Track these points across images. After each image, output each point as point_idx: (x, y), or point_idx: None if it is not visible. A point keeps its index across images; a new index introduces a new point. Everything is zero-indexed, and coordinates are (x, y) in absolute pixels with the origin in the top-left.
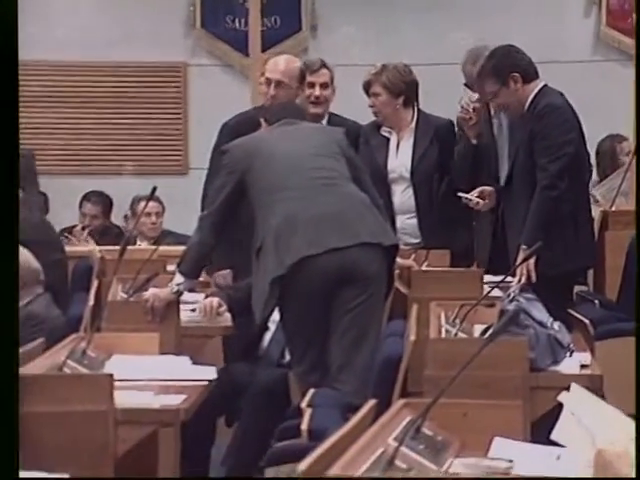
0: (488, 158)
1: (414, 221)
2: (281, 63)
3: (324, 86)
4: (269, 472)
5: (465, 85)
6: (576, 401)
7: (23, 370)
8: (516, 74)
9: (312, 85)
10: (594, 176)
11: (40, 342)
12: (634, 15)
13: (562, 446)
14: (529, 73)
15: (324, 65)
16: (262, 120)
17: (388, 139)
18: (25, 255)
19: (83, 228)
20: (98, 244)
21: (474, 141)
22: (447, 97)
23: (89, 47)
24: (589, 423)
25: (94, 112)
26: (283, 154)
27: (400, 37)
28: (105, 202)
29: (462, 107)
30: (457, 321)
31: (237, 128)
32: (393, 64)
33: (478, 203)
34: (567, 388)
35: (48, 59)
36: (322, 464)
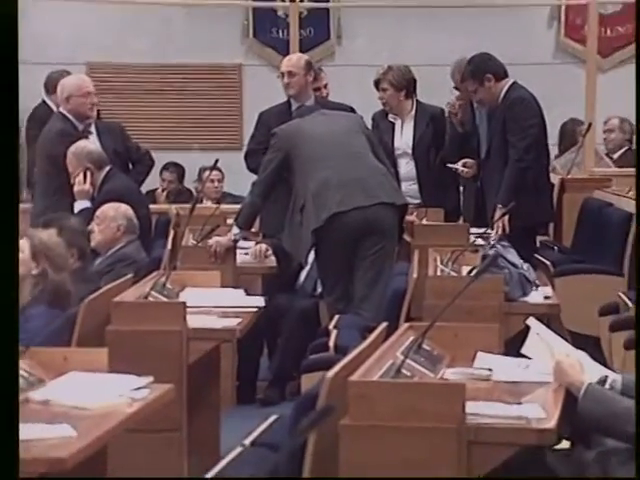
0: (471, 139)
1: (415, 186)
2: (289, 58)
3: (321, 88)
4: (304, 378)
5: (454, 87)
6: (540, 325)
7: (117, 299)
8: (489, 75)
9: (318, 88)
10: (555, 151)
11: (129, 277)
12: (586, 27)
13: (529, 358)
14: (500, 73)
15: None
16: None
17: (394, 123)
18: (127, 209)
19: (163, 190)
20: (174, 203)
21: (460, 129)
22: (441, 89)
23: (170, 52)
24: (549, 341)
25: (172, 102)
26: (320, 134)
27: (406, 44)
28: (179, 171)
29: (450, 105)
30: (449, 263)
31: (268, 115)
32: (397, 65)
33: (464, 172)
34: (534, 315)
35: (141, 62)
36: (345, 372)
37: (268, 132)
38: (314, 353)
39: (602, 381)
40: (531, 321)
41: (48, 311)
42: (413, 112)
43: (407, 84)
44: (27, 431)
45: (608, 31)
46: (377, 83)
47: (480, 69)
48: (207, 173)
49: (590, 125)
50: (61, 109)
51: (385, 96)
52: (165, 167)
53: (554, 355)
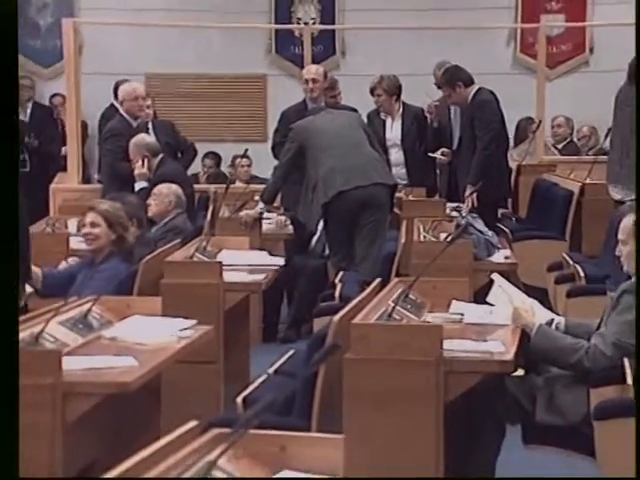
0: (446, 133)
1: (403, 170)
2: (313, 68)
3: (336, 96)
4: (316, 321)
5: (435, 84)
6: (502, 279)
7: (168, 259)
8: (460, 82)
9: (333, 96)
10: (513, 142)
11: (177, 242)
12: (536, 45)
13: (493, 305)
14: (468, 81)
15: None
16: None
17: (385, 120)
18: (176, 188)
19: (204, 174)
20: (212, 184)
21: (435, 124)
22: (422, 93)
23: (210, 65)
24: (509, 291)
25: (211, 104)
26: (327, 129)
27: (395, 58)
28: (217, 158)
29: (428, 106)
30: (430, 231)
31: (289, 114)
32: (387, 75)
33: (441, 159)
34: (497, 271)
35: (188, 72)
36: (348, 317)
37: (289, 126)
38: (323, 301)
39: (549, 322)
40: (495, 276)
41: (118, 265)
42: (400, 112)
43: (397, 90)
44: (99, 361)
45: (554, 49)
46: (373, 90)
47: (453, 78)
48: (238, 160)
49: (540, 122)
50: (120, 110)
51: (380, 100)
52: (206, 155)
53: (512, 302)
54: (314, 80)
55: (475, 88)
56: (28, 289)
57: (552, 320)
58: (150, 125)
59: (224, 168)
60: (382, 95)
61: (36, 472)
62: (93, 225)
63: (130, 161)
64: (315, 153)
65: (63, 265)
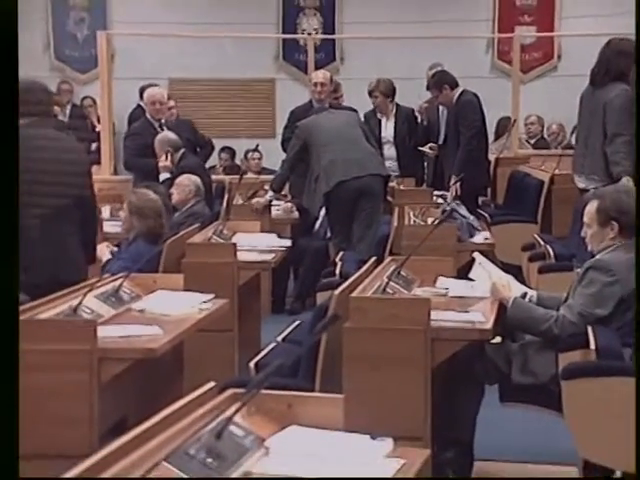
0: (434, 130)
1: (395, 164)
2: (321, 73)
3: (339, 97)
4: (319, 295)
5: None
6: (482, 257)
7: (189, 240)
8: (446, 85)
9: (336, 98)
10: (492, 138)
11: (197, 226)
12: (512, 53)
13: (474, 281)
14: (453, 84)
15: (339, 86)
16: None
17: (380, 120)
18: (196, 179)
19: (220, 166)
20: (228, 175)
21: (425, 122)
22: (413, 95)
23: (225, 70)
24: (488, 268)
25: (227, 105)
26: (329, 126)
27: (388, 64)
28: (231, 152)
29: (419, 107)
30: (419, 216)
31: (297, 112)
32: (383, 79)
33: (429, 153)
34: (477, 251)
35: (206, 77)
36: (348, 291)
37: (296, 122)
38: (325, 278)
39: (523, 295)
40: (476, 255)
41: (144, 246)
42: (394, 111)
43: (391, 92)
44: (129, 330)
45: (527, 56)
46: (370, 92)
47: (440, 81)
48: (250, 154)
49: (515, 120)
50: (146, 111)
51: (377, 101)
52: (222, 150)
53: (491, 278)
54: (322, 84)
55: (459, 90)
56: None
57: (526, 293)
58: (173, 123)
59: (238, 161)
60: (379, 97)
61: (76, 426)
62: (124, 212)
63: (150, 156)
64: (317, 148)
65: (100, 247)
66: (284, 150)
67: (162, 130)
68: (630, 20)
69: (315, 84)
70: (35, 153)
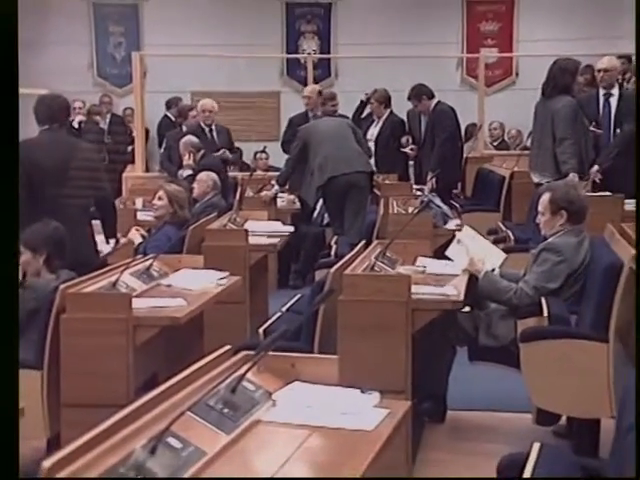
0: (415, 134)
1: (373, 160)
2: (309, 88)
3: (336, 105)
4: (317, 273)
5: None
6: (462, 235)
7: (208, 227)
8: (424, 96)
9: (333, 105)
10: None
11: (214, 215)
12: (478, 70)
13: (450, 259)
14: (430, 95)
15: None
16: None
17: (373, 120)
18: (214, 175)
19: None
20: (240, 172)
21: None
22: (399, 105)
23: (238, 84)
24: (469, 245)
25: (239, 113)
26: (324, 130)
27: (376, 79)
28: (240, 153)
29: (408, 114)
30: (401, 205)
31: (295, 120)
32: (379, 89)
33: (411, 153)
34: (453, 233)
35: (221, 90)
36: (342, 269)
37: (294, 128)
38: (322, 258)
39: (492, 270)
40: (458, 234)
41: (172, 231)
42: (384, 117)
43: (385, 99)
44: (158, 302)
45: (490, 73)
46: (368, 99)
47: (419, 92)
48: (259, 154)
49: (481, 126)
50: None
51: (372, 107)
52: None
53: (469, 253)
54: (308, 97)
55: (435, 100)
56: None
57: (493, 269)
58: (213, 128)
59: (246, 160)
60: (374, 103)
61: (115, 381)
62: (159, 199)
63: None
64: (314, 148)
65: (133, 232)
66: (284, 151)
67: (212, 134)
68: (575, 44)
69: (304, 97)
70: (50, 152)
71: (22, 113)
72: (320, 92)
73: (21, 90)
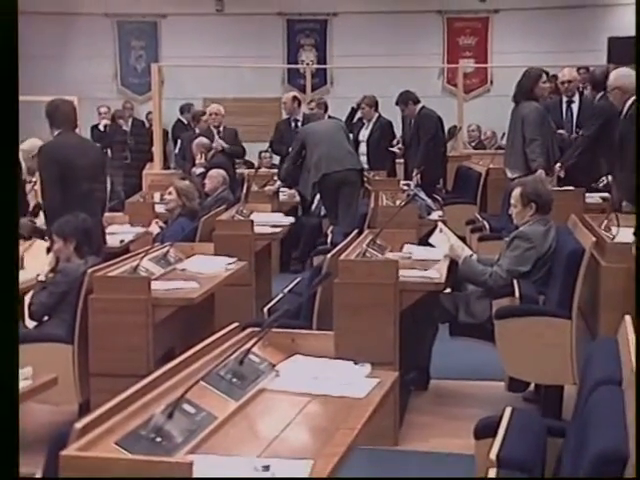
0: (403, 135)
1: (365, 158)
2: (285, 95)
3: (320, 106)
4: (315, 258)
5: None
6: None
7: (218, 218)
8: (410, 101)
9: (311, 108)
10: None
11: (223, 208)
12: (457, 79)
13: (433, 246)
14: (415, 100)
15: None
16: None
17: (364, 124)
18: (223, 172)
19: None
20: (247, 169)
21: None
22: (388, 109)
23: (243, 91)
24: (449, 234)
25: (245, 117)
26: (319, 131)
27: (366, 86)
28: (243, 149)
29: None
30: (390, 198)
31: (281, 125)
32: (369, 95)
33: (398, 152)
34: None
35: (229, 97)
36: (337, 255)
37: (279, 132)
38: (319, 246)
39: (471, 255)
40: (440, 225)
41: (185, 222)
42: (374, 120)
43: (374, 104)
44: (174, 284)
45: (468, 81)
46: (358, 105)
47: (406, 98)
48: (263, 154)
49: (460, 128)
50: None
51: (364, 111)
52: None
53: (450, 241)
54: (284, 103)
55: (420, 105)
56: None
57: (472, 254)
58: (221, 130)
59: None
60: (365, 107)
61: (137, 353)
62: (170, 193)
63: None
64: (311, 147)
65: (153, 225)
66: (273, 151)
67: (219, 134)
68: (542, 56)
69: (282, 104)
70: (79, 152)
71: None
72: (295, 97)
73: (52, 97)
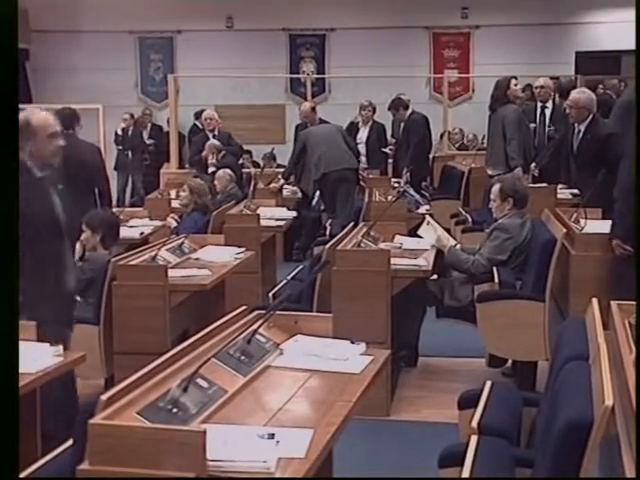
0: (395, 137)
1: (365, 158)
2: (304, 105)
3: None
4: (315, 248)
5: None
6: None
7: (228, 212)
8: (401, 106)
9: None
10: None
11: (232, 203)
12: (443, 87)
13: (421, 237)
14: (405, 106)
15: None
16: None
17: (358, 128)
18: (231, 172)
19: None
20: (254, 168)
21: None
22: (381, 115)
23: (249, 98)
24: (435, 226)
25: (252, 122)
26: (319, 134)
27: (363, 94)
28: (249, 153)
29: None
30: (382, 194)
31: (300, 126)
32: (369, 101)
33: (390, 153)
34: (423, 216)
35: (237, 103)
36: (334, 246)
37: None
38: (319, 237)
39: (455, 245)
40: (428, 218)
41: (198, 216)
42: (370, 123)
43: (373, 109)
44: (188, 272)
45: (452, 89)
46: (362, 109)
47: (398, 104)
48: (268, 155)
49: (445, 131)
50: (199, 126)
51: (367, 116)
52: (245, 152)
53: (437, 232)
54: (304, 111)
55: (410, 110)
56: (145, 232)
57: (456, 244)
58: (216, 133)
59: (258, 160)
60: (371, 111)
61: (155, 334)
62: (183, 191)
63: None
64: (311, 148)
65: (169, 219)
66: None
67: (214, 138)
68: (519, 67)
69: (301, 111)
70: (88, 151)
71: (83, 123)
72: (313, 108)
73: (81, 105)
